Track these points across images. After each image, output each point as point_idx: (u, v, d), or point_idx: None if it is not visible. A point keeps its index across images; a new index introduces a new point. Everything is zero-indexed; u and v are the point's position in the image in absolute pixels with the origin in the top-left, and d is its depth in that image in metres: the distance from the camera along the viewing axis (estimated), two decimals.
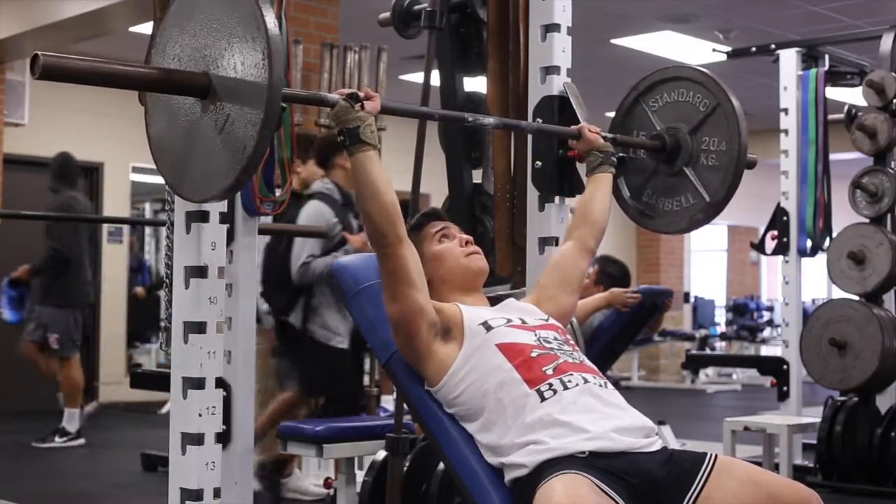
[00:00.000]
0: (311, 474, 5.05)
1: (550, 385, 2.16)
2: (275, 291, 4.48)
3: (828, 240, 5.47)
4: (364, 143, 2.13)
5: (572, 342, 2.36)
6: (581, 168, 2.76)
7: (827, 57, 5.75)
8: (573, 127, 2.65)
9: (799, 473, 4.97)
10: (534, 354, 2.22)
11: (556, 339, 2.30)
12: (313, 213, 4.47)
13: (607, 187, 2.63)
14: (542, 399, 2.14)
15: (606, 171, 2.63)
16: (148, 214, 10.11)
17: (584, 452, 2.06)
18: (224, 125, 1.89)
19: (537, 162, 2.76)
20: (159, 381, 4.71)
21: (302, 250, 4.38)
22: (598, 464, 2.04)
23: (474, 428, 2.22)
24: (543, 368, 2.19)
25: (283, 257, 4.43)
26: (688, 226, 2.83)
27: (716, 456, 2.14)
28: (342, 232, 4.43)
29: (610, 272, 4.94)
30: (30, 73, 1.78)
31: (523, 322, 2.32)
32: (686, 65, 2.72)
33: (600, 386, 2.21)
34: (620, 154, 2.77)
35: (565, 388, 2.16)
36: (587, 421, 2.12)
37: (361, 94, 2.14)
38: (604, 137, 2.64)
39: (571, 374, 2.19)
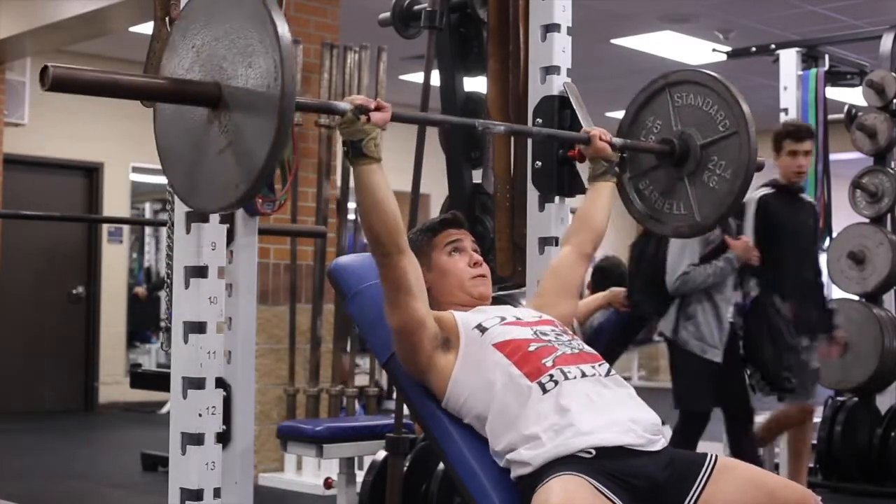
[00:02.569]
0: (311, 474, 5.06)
1: (551, 377, 2.16)
2: (644, 296, 4.25)
3: (828, 240, 5.47)
4: (366, 157, 2.12)
5: (570, 333, 2.37)
6: (581, 167, 2.76)
7: (827, 57, 5.75)
8: (583, 131, 2.62)
9: None
10: (531, 349, 2.22)
11: (552, 331, 2.30)
12: None
13: (610, 197, 2.61)
14: (544, 391, 2.14)
15: (609, 181, 2.62)
16: (148, 214, 10.11)
17: (589, 452, 2.06)
18: (234, 136, 1.86)
19: (537, 162, 2.76)
20: (159, 381, 4.72)
21: (680, 258, 4.06)
22: (601, 466, 2.04)
23: (487, 433, 2.22)
24: (543, 360, 2.19)
25: (652, 260, 4.15)
26: (671, 233, 2.82)
27: (716, 457, 2.14)
28: (721, 236, 4.09)
29: (608, 272, 4.95)
30: (40, 85, 1.76)
31: (518, 319, 2.32)
32: (722, 79, 2.65)
33: (601, 375, 2.21)
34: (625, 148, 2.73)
35: (566, 378, 2.16)
36: (588, 414, 2.12)
37: (372, 105, 2.10)
38: (612, 143, 2.60)
39: (570, 367, 2.19)
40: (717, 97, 2.63)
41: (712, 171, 2.64)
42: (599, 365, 2.24)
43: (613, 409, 2.14)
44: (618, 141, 2.64)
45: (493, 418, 2.18)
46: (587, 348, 2.30)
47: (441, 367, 2.26)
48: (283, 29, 1.79)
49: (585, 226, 2.57)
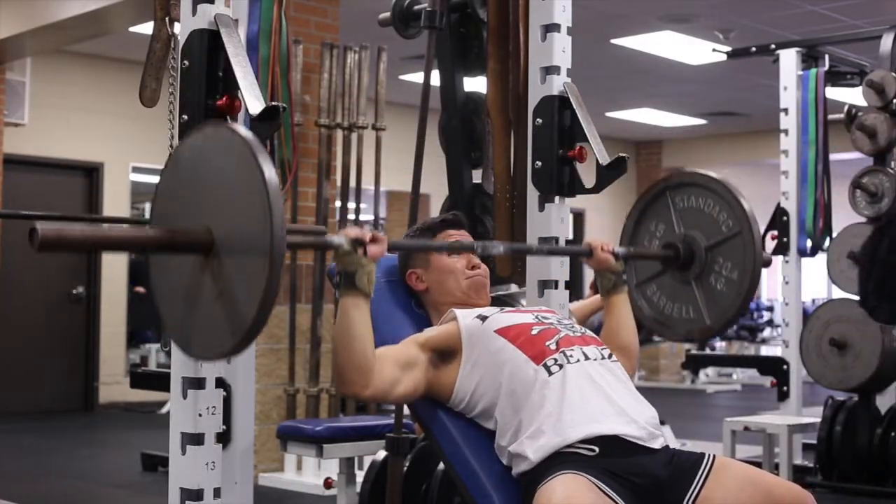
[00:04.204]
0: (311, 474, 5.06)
1: (556, 360, 2.17)
2: (878, 302, 4.02)
3: (828, 240, 5.47)
4: (356, 289, 2.10)
5: (572, 318, 2.38)
6: (581, 167, 2.76)
7: (827, 57, 5.75)
8: (584, 244, 2.57)
9: (799, 473, 4.97)
10: (534, 332, 2.23)
11: (554, 316, 2.33)
12: None
13: (628, 309, 2.55)
14: (550, 373, 2.15)
15: (622, 292, 2.55)
16: (148, 214, 10.11)
17: (591, 450, 2.07)
18: (226, 284, 1.82)
19: (537, 162, 2.76)
20: (159, 381, 4.71)
21: None
22: (603, 464, 2.05)
23: (495, 423, 2.23)
24: (546, 343, 2.21)
25: (885, 262, 3.96)
26: (682, 338, 2.77)
27: (714, 456, 2.15)
28: None
29: None
30: (29, 245, 1.72)
31: (519, 308, 2.35)
32: (721, 180, 2.61)
33: (604, 358, 2.22)
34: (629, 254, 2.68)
35: (568, 361, 2.17)
36: (589, 400, 2.13)
37: (368, 237, 2.08)
38: (614, 252, 2.54)
39: (573, 348, 2.20)
40: (717, 198, 2.60)
41: (719, 272, 2.60)
42: (602, 348, 2.26)
43: (615, 395, 2.16)
44: (620, 250, 2.58)
45: (502, 403, 2.20)
46: (589, 332, 2.32)
47: (443, 378, 2.29)
48: (270, 173, 1.73)
49: (619, 351, 2.46)
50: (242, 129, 1.82)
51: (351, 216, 5.62)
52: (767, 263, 2.64)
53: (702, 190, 2.64)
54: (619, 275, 2.54)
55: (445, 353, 2.29)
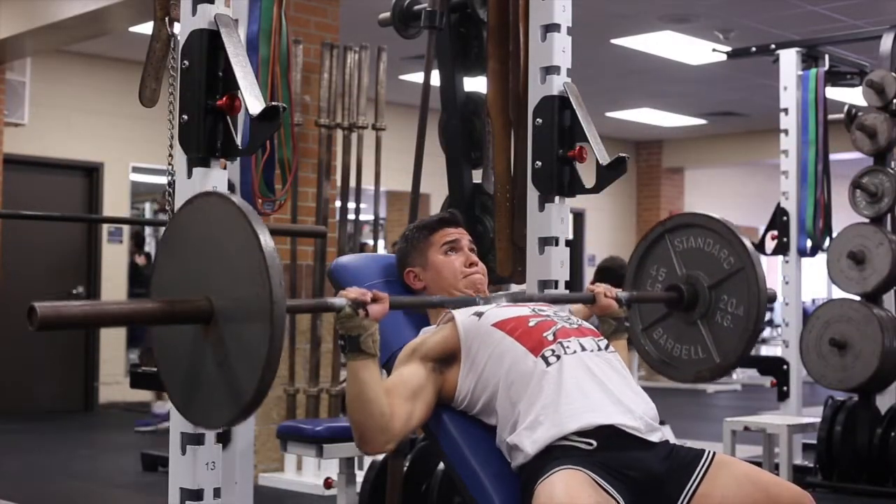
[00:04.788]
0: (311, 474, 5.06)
1: (553, 351, 2.17)
2: None
3: (828, 240, 5.47)
4: (362, 353, 2.11)
5: (568, 310, 2.39)
6: (581, 167, 2.76)
7: (827, 57, 5.75)
8: (587, 290, 2.58)
9: (799, 473, 4.97)
10: (531, 324, 2.24)
11: (550, 308, 2.34)
12: None
13: (627, 353, 2.55)
14: (547, 364, 2.16)
15: (622, 338, 2.56)
16: (148, 214, 10.11)
17: (589, 444, 2.07)
18: (225, 355, 1.83)
19: (537, 162, 2.76)
20: (159, 381, 4.71)
21: None
22: (601, 458, 2.05)
23: (496, 418, 2.23)
24: (544, 334, 2.21)
25: None
26: (693, 379, 2.76)
27: (713, 453, 2.15)
28: None
29: (610, 272, 4.94)
30: (29, 325, 1.73)
31: (514, 302, 2.36)
32: (720, 219, 2.63)
33: (601, 349, 2.23)
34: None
35: (565, 352, 2.18)
36: (586, 390, 2.14)
37: (368, 297, 2.07)
38: (618, 299, 2.54)
39: (570, 339, 2.21)
40: (717, 236, 2.61)
41: (724, 310, 2.60)
42: (599, 339, 2.27)
43: (611, 385, 2.17)
44: (623, 295, 2.58)
45: (501, 396, 2.20)
46: (586, 323, 2.33)
47: (447, 382, 2.29)
48: (267, 240, 1.74)
49: None
50: (237, 199, 1.84)
51: (351, 216, 5.62)
52: (773, 299, 2.65)
53: (700, 230, 2.65)
54: (621, 320, 2.55)
55: (446, 359, 2.29)
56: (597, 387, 2.15)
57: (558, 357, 2.17)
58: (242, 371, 1.77)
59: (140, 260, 9.21)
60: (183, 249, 1.96)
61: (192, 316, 1.86)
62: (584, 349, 2.21)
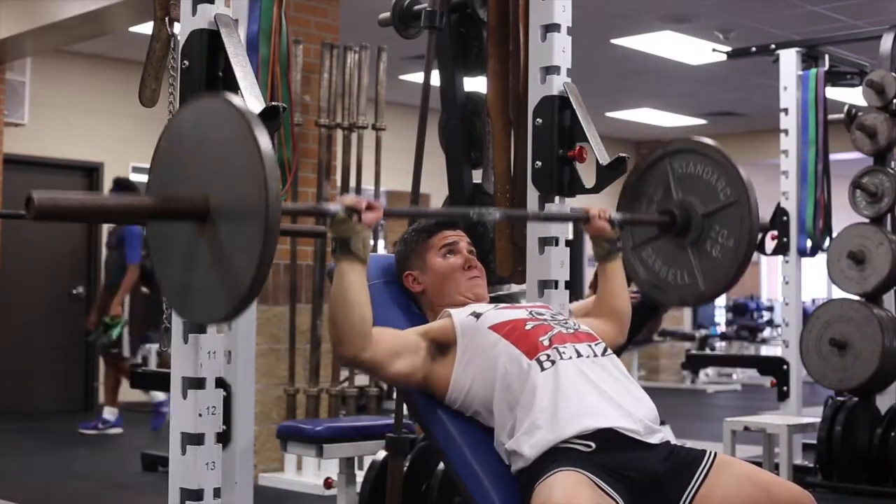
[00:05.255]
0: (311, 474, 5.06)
1: (549, 356, 2.17)
2: None
3: (828, 240, 5.47)
4: (352, 254, 2.12)
5: (566, 314, 2.39)
6: (581, 167, 2.76)
7: (827, 57, 5.74)
8: (581, 210, 2.59)
9: (799, 473, 4.97)
10: (528, 327, 2.24)
11: (548, 311, 2.33)
12: None
13: (622, 276, 2.57)
14: (542, 369, 2.15)
15: (616, 259, 2.58)
16: None
17: (588, 445, 2.07)
18: (222, 250, 1.84)
19: (537, 162, 2.76)
20: (159, 381, 4.72)
21: None
22: (600, 460, 2.05)
23: (493, 420, 2.23)
24: (540, 339, 2.21)
25: None
26: (677, 303, 2.79)
27: (715, 454, 2.15)
28: None
29: None
30: (25, 213, 1.74)
31: (513, 305, 2.35)
32: (720, 148, 2.61)
33: (597, 355, 2.23)
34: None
35: (561, 357, 2.17)
36: (584, 395, 2.13)
37: (363, 205, 2.09)
38: (611, 220, 2.56)
39: (566, 345, 2.20)
40: (716, 166, 2.60)
41: (715, 239, 2.60)
42: (595, 344, 2.26)
43: (608, 390, 2.16)
44: (617, 216, 2.59)
45: (497, 400, 2.20)
46: (583, 327, 2.32)
47: (440, 372, 2.28)
48: (266, 144, 1.75)
49: (611, 315, 2.52)
50: (237, 100, 1.85)
51: None
52: (765, 230, 2.64)
53: (700, 157, 2.64)
54: (613, 242, 2.57)
55: (442, 346, 2.29)
56: (594, 391, 2.15)
57: (553, 362, 2.16)
58: (238, 266, 1.79)
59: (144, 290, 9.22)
60: (182, 149, 1.97)
61: (187, 213, 1.88)
62: (579, 355, 2.20)
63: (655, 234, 2.72)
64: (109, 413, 7.14)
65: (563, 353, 2.19)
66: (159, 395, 7.10)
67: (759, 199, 2.52)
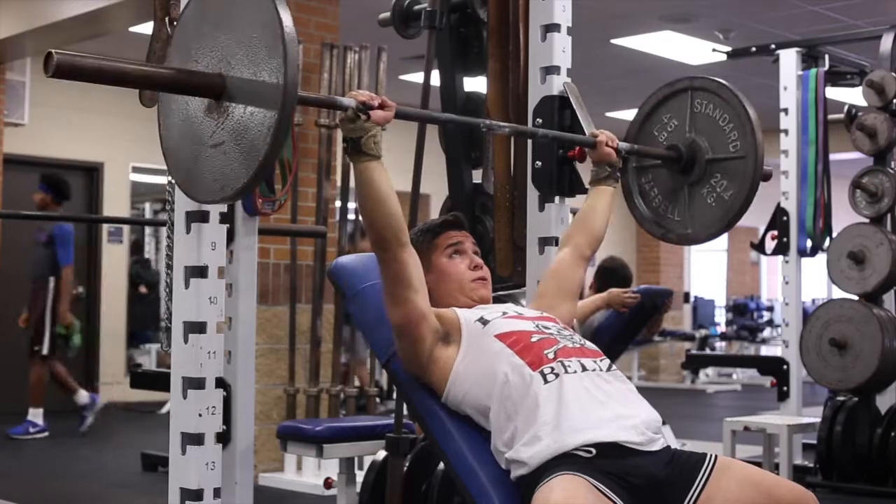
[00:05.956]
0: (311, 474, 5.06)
1: (552, 368, 2.16)
2: None
3: (828, 240, 5.47)
4: (365, 154, 2.13)
5: (572, 330, 2.37)
6: (581, 167, 2.76)
7: (827, 57, 5.74)
8: (590, 134, 2.61)
9: (799, 473, 4.97)
10: (534, 339, 2.23)
11: (554, 326, 2.32)
12: None
13: (611, 200, 2.61)
14: (545, 381, 2.14)
15: (611, 185, 2.62)
16: (148, 214, 10.11)
17: (588, 451, 2.06)
18: (236, 128, 1.87)
19: (537, 162, 2.76)
20: (159, 381, 4.72)
21: None
22: (601, 465, 2.04)
23: (490, 425, 2.22)
24: (545, 351, 2.20)
25: None
26: (659, 236, 2.82)
27: (716, 457, 2.14)
28: None
29: (611, 272, 4.95)
30: (44, 71, 1.75)
31: (520, 314, 2.33)
32: (744, 100, 2.61)
33: (602, 369, 2.21)
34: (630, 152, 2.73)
35: (566, 371, 2.16)
36: (587, 409, 2.12)
37: (376, 102, 2.10)
38: (617, 149, 2.59)
39: (571, 360, 2.19)
40: (734, 116, 2.60)
41: (713, 187, 2.62)
42: (601, 360, 2.25)
43: (613, 405, 2.15)
44: (624, 146, 2.62)
45: (496, 409, 2.19)
46: (588, 343, 2.31)
47: (442, 361, 2.26)
48: (289, 23, 1.79)
49: (584, 228, 2.57)
50: None
51: (351, 216, 5.62)
52: (768, 177, 2.65)
53: (722, 102, 2.64)
54: (614, 168, 2.61)
55: (448, 334, 2.28)
56: (599, 406, 2.13)
57: (557, 375, 2.15)
58: (253, 138, 1.83)
59: (143, 290, 9.23)
60: (201, 26, 1.99)
61: (202, 88, 1.91)
62: (584, 369, 2.19)
63: (659, 164, 2.75)
64: (35, 416, 7.00)
65: (569, 366, 2.17)
66: (84, 398, 7.06)
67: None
